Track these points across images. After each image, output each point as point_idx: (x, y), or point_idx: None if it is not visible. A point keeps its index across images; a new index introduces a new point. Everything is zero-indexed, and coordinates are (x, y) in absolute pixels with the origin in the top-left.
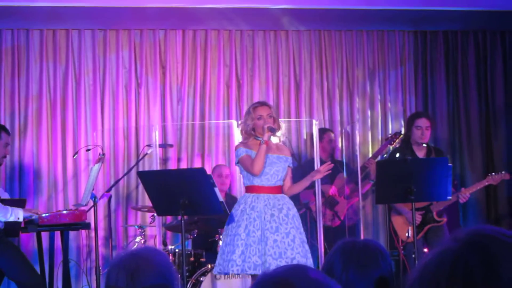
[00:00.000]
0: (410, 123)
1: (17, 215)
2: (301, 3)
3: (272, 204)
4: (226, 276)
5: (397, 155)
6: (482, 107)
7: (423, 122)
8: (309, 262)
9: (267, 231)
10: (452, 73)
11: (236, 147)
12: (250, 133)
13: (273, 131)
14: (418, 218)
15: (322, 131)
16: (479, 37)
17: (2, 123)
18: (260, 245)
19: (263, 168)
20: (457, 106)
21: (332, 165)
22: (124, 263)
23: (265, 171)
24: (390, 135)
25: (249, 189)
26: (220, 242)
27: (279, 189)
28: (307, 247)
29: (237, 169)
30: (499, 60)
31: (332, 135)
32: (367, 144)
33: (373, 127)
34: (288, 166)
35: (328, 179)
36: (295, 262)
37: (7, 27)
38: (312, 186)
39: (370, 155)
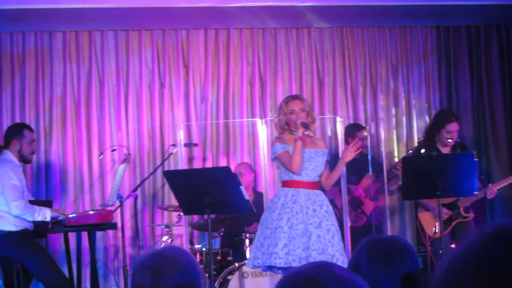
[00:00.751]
0: (440, 125)
1: (45, 214)
2: (323, 0)
3: (313, 199)
4: (253, 274)
5: (423, 151)
6: (506, 101)
7: (454, 127)
8: (346, 261)
9: (311, 225)
10: (475, 67)
11: (273, 143)
12: (284, 128)
13: (306, 126)
14: (446, 213)
15: (355, 128)
16: (502, 31)
17: None
18: (304, 239)
19: (301, 164)
20: (481, 101)
21: (360, 143)
22: (148, 262)
23: (304, 165)
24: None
25: (287, 183)
26: (247, 241)
27: (316, 185)
28: (342, 244)
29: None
30: None
31: (365, 133)
32: (392, 142)
33: (398, 124)
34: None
35: (356, 178)
36: (334, 259)
37: (30, 30)
38: (338, 183)
39: (396, 155)
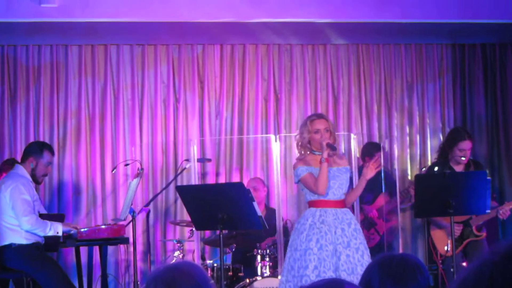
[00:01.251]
0: (452, 143)
1: (56, 229)
2: (339, 16)
3: (341, 218)
4: None
5: (436, 168)
6: None
7: (466, 145)
8: None
9: (340, 245)
10: (490, 86)
11: (295, 166)
12: (305, 146)
13: (333, 148)
14: (458, 231)
15: (373, 148)
16: None
17: (42, 138)
18: (333, 259)
19: (327, 187)
20: (495, 119)
21: (380, 160)
22: (161, 276)
23: (329, 185)
24: (402, 190)
25: (314, 203)
26: (259, 257)
27: (343, 203)
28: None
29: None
30: None
31: (382, 151)
32: (405, 159)
33: (411, 143)
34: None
35: (371, 197)
36: None
37: (46, 43)
38: None
39: (409, 173)
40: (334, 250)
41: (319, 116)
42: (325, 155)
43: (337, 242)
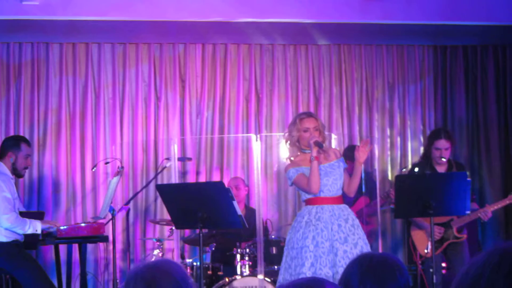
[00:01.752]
0: (429, 142)
1: (35, 227)
2: (321, 17)
3: (338, 214)
4: None
5: (416, 169)
6: (501, 122)
7: (442, 144)
8: None
9: (336, 241)
10: (471, 88)
11: (286, 169)
12: (294, 144)
13: (321, 146)
14: (439, 234)
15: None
16: (498, 52)
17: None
18: (330, 256)
19: (320, 184)
20: (476, 121)
21: (369, 141)
22: (141, 274)
23: (323, 182)
24: (383, 194)
25: (310, 201)
26: (238, 256)
27: (341, 200)
28: None
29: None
30: None
31: None
32: (386, 161)
33: (392, 142)
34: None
35: (351, 199)
36: None
37: (27, 41)
38: None
39: (389, 174)
40: (331, 247)
41: (309, 115)
42: (314, 153)
43: (333, 239)
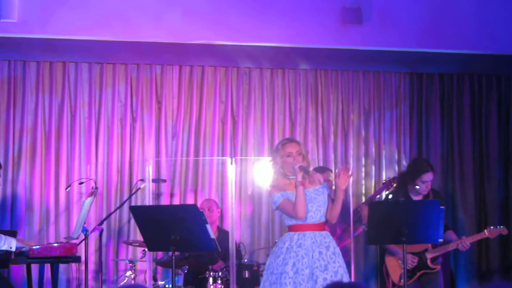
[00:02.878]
0: (415, 174)
1: (10, 244)
2: (299, 42)
3: (319, 241)
4: None
5: (390, 196)
6: (476, 150)
7: (429, 177)
8: None
9: (316, 269)
10: (447, 115)
11: (270, 193)
12: (279, 172)
13: (306, 171)
14: (412, 261)
15: (321, 170)
16: (474, 80)
17: None
18: (309, 283)
19: (306, 210)
20: (451, 149)
21: (349, 167)
22: None
23: (307, 208)
24: (387, 180)
25: (293, 228)
26: (211, 279)
27: (323, 226)
28: None
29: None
30: (494, 103)
31: (332, 175)
32: (360, 185)
33: (367, 168)
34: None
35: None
36: None
37: (3, 58)
38: None
39: (363, 198)
40: (311, 274)
41: (291, 140)
42: (299, 178)
43: (314, 266)
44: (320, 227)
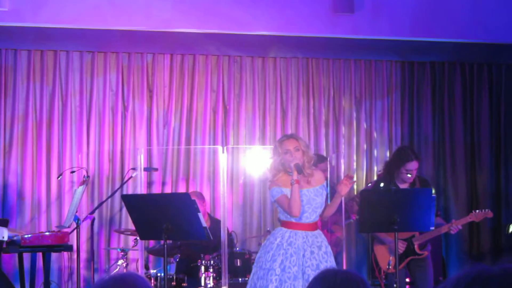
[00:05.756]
0: (399, 163)
1: (2, 233)
2: (290, 30)
3: (311, 241)
4: None
5: (381, 184)
6: (467, 138)
7: (413, 165)
8: None
9: (308, 268)
10: (438, 104)
11: (270, 187)
12: (279, 169)
13: (299, 170)
14: (402, 248)
15: (319, 159)
16: (466, 69)
17: None
18: (296, 281)
19: (301, 208)
20: (442, 137)
21: (352, 176)
22: (108, 287)
23: (304, 209)
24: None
25: (286, 224)
26: (202, 268)
27: (316, 226)
28: None
29: (221, 190)
30: (485, 92)
31: (328, 164)
32: (352, 173)
33: (358, 157)
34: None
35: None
36: None
37: None
38: None
39: (355, 187)
40: (302, 273)
41: (288, 137)
42: (295, 176)
43: (305, 265)
44: (313, 227)
